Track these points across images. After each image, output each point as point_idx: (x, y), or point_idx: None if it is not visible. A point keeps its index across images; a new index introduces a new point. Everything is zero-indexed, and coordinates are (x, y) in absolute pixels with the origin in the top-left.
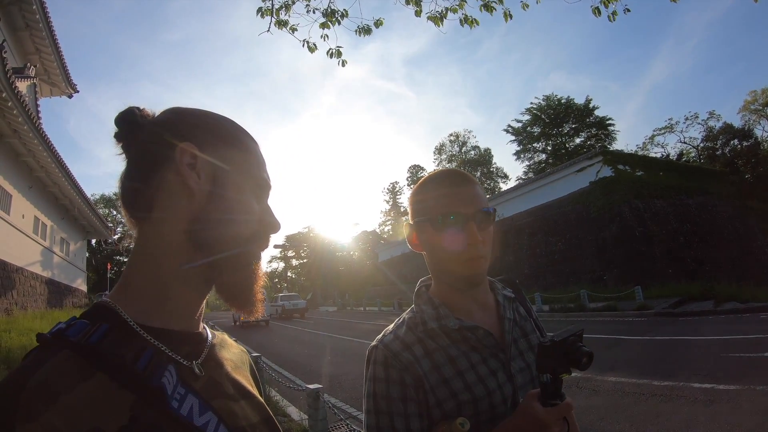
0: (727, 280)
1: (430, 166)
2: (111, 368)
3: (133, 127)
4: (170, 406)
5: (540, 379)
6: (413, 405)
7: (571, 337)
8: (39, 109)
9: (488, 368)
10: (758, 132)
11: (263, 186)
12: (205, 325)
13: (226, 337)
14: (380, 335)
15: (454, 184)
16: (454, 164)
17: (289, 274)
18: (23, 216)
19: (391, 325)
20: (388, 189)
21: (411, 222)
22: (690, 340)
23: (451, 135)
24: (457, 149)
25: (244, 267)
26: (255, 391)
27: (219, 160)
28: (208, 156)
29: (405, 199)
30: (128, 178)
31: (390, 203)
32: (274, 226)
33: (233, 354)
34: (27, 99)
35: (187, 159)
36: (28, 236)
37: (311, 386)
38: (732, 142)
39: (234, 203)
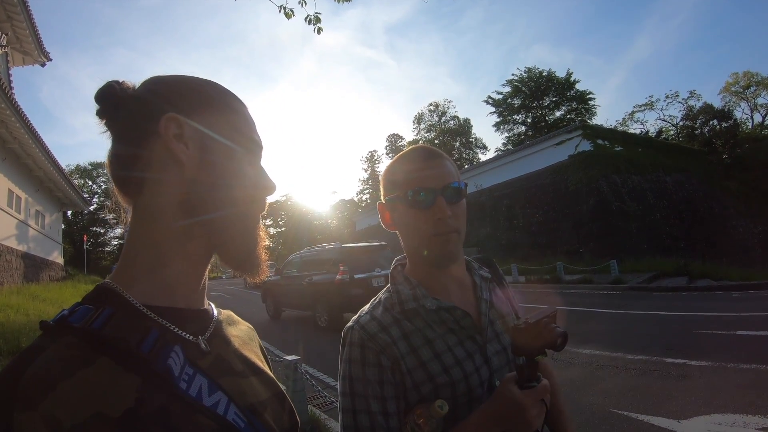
0: (701, 258)
1: (409, 135)
2: (115, 352)
3: (114, 103)
4: (178, 387)
5: (516, 362)
6: (390, 387)
7: (545, 319)
8: (11, 78)
9: (465, 351)
10: (738, 114)
11: (254, 148)
12: (210, 302)
13: (232, 313)
14: (356, 316)
15: (423, 160)
16: (433, 134)
17: (266, 242)
18: None
19: (367, 306)
20: (366, 157)
21: (383, 201)
22: (663, 316)
23: (430, 104)
24: (437, 119)
25: (243, 231)
26: (265, 367)
27: (206, 126)
28: (195, 124)
29: (383, 167)
30: (115, 156)
31: (368, 172)
32: (269, 188)
33: (240, 330)
34: None
35: (173, 130)
36: (2, 210)
37: (289, 357)
38: (711, 122)
39: (225, 168)
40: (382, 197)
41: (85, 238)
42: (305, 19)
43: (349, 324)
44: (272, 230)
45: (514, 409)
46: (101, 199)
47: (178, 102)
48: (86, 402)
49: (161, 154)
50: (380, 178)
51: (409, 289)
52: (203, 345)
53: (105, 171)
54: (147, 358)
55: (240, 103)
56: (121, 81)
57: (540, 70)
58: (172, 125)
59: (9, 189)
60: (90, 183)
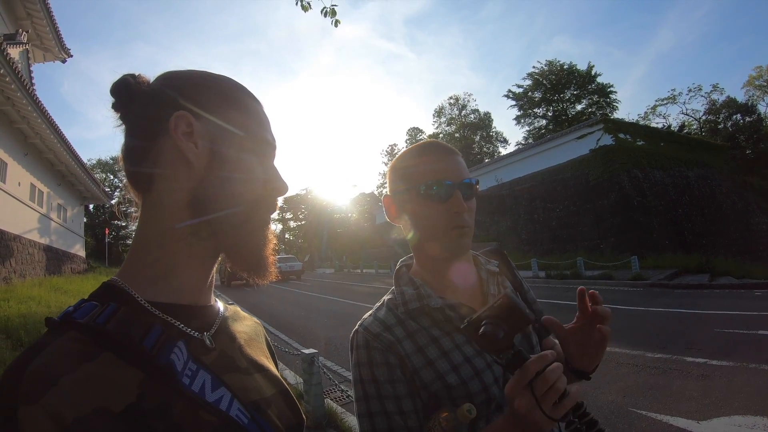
0: (723, 255)
1: (429, 128)
2: (118, 347)
3: (128, 97)
4: (180, 383)
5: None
6: (402, 385)
7: (484, 314)
8: (32, 75)
9: (474, 348)
10: (761, 108)
11: (266, 147)
12: (217, 299)
13: (238, 309)
14: (360, 320)
15: (437, 154)
16: (453, 127)
17: (287, 236)
18: (19, 184)
19: (371, 309)
20: (386, 151)
21: (389, 194)
22: (684, 313)
23: (450, 98)
24: (457, 112)
25: (251, 232)
26: (270, 364)
27: (217, 125)
28: (205, 122)
29: None
30: (127, 150)
31: (388, 165)
32: (280, 189)
33: (247, 327)
34: (20, 65)
35: (182, 128)
36: (24, 204)
37: (306, 351)
38: (734, 116)
39: (235, 168)
40: (388, 190)
41: (107, 232)
42: (321, 12)
43: (354, 328)
44: (292, 224)
45: (510, 409)
46: (122, 192)
47: (189, 99)
48: (88, 396)
49: (171, 152)
50: (388, 169)
51: (413, 289)
52: (207, 341)
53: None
54: (150, 353)
55: (254, 100)
56: (137, 75)
57: (561, 62)
58: (182, 123)
59: (31, 183)
60: (111, 177)
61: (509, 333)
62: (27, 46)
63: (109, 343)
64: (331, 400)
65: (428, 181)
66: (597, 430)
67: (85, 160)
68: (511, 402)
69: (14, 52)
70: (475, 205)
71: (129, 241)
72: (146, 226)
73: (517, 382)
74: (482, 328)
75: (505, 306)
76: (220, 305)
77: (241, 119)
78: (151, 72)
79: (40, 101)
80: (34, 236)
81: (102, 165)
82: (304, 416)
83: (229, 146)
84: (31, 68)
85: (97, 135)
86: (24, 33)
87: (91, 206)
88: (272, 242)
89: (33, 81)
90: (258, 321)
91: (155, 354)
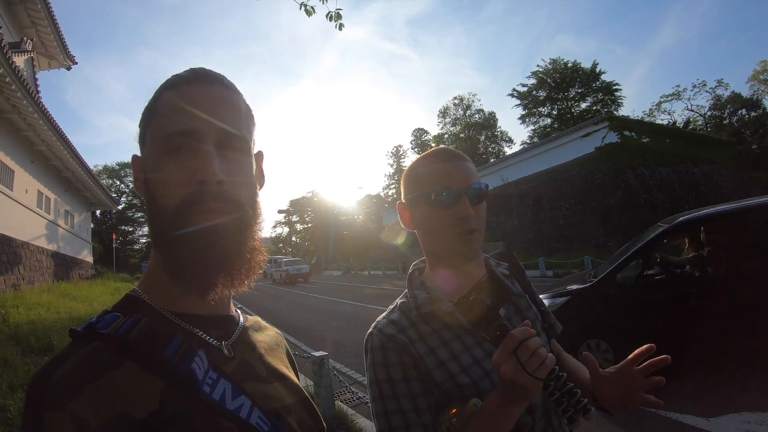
0: None
1: (434, 129)
2: (140, 356)
3: None
4: (201, 391)
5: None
6: (417, 384)
7: (470, 290)
8: (38, 82)
9: (484, 350)
10: (766, 102)
11: (174, 143)
12: (237, 309)
13: (259, 320)
14: (374, 323)
15: (446, 160)
16: (458, 128)
17: (293, 238)
18: (26, 191)
19: (385, 312)
20: (392, 152)
21: (403, 200)
22: None
23: (455, 98)
24: (461, 112)
25: (186, 239)
26: (290, 373)
27: (144, 149)
28: (141, 153)
29: (408, 162)
30: None
31: (394, 167)
32: (205, 179)
33: (267, 336)
34: (25, 73)
35: (136, 167)
36: (32, 211)
37: (316, 353)
38: (739, 111)
39: (154, 180)
40: (402, 197)
41: (114, 237)
42: (326, 16)
43: (369, 331)
44: (299, 226)
45: (501, 377)
46: (129, 198)
47: (142, 128)
48: (112, 403)
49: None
50: (402, 176)
51: (426, 293)
52: (226, 350)
53: (132, 171)
54: (171, 362)
55: (169, 89)
56: None
57: (565, 61)
58: (136, 164)
59: (38, 190)
60: (118, 183)
61: (495, 303)
62: (32, 54)
63: (132, 352)
64: (342, 402)
65: (437, 187)
66: (577, 399)
67: (91, 167)
68: (498, 369)
69: (19, 61)
70: (484, 209)
71: (136, 246)
72: (153, 246)
73: (503, 350)
74: (472, 296)
75: (488, 280)
76: (240, 315)
77: (155, 123)
78: (154, 78)
79: (45, 109)
80: (42, 243)
81: (108, 171)
82: (324, 424)
83: (148, 163)
84: (37, 76)
85: (103, 141)
86: (29, 41)
87: (98, 212)
88: (237, 248)
89: (38, 89)
90: (279, 332)
91: (176, 363)
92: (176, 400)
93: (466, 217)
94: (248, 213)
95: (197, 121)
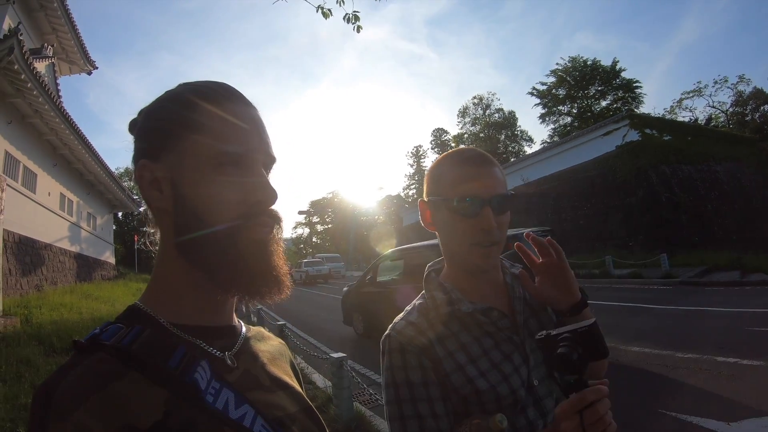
0: (754, 251)
1: (454, 129)
2: (143, 367)
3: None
4: (204, 400)
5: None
6: (435, 388)
7: (565, 334)
8: (59, 87)
9: (502, 353)
10: None
11: (226, 161)
12: (240, 320)
13: (263, 330)
14: (391, 324)
15: (473, 164)
16: (478, 127)
17: (314, 239)
18: (49, 194)
19: (402, 313)
20: (412, 153)
21: (425, 199)
22: (715, 312)
23: (474, 98)
24: (481, 112)
25: (240, 252)
26: (293, 382)
27: (172, 160)
28: (165, 159)
29: (429, 163)
30: None
31: (414, 167)
32: (265, 201)
33: (271, 346)
34: (46, 79)
35: (147, 177)
36: (55, 213)
37: (335, 355)
38: (762, 107)
39: (196, 197)
40: (424, 194)
41: (136, 239)
42: (344, 18)
43: (386, 333)
44: (319, 227)
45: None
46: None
47: (149, 141)
48: (116, 414)
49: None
50: (425, 173)
51: (443, 294)
52: (229, 360)
53: (140, 179)
54: (174, 372)
55: (212, 106)
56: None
57: (584, 58)
58: (146, 173)
59: (61, 193)
60: None
61: (583, 358)
62: (53, 60)
63: (136, 363)
64: (360, 403)
65: (460, 194)
66: None
67: (113, 169)
68: (558, 422)
69: (41, 66)
70: (509, 218)
71: (158, 248)
72: (159, 256)
73: (571, 407)
74: (560, 348)
75: (587, 334)
76: (243, 326)
77: (192, 141)
78: (175, 82)
79: (67, 113)
80: (65, 244)
81: (129, 174)
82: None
83: (187, 178)
84: (58, 81)
85: (124, 144)
86: (49, 47)
87: (119, 214)
88: (278, 257)
89: (60, 93)
90: (282, 342)
91: (179, 373)
92: (180, 411)
93: (488, 230)
94: (282, 227)
95: (253, 143)
